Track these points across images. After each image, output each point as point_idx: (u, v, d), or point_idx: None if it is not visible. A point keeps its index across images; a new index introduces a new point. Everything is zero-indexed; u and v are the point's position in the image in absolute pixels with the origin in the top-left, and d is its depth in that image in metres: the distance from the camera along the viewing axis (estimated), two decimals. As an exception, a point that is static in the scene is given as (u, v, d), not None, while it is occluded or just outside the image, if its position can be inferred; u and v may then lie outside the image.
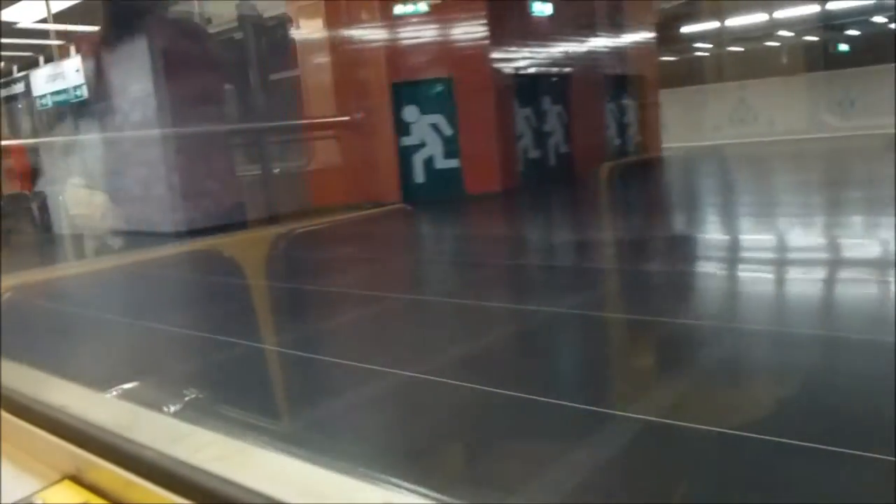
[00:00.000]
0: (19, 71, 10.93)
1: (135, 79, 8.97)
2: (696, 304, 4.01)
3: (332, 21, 10.51)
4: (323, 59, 10.64)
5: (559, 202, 9.60)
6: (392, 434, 2.53)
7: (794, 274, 4.56)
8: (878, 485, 1.84)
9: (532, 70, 11.01)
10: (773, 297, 4.06)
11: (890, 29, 17.36)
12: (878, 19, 17.74)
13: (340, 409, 2.74)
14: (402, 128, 10.31)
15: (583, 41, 12.11)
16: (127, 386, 3.00)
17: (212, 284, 5.90)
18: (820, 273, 4.42)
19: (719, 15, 17.09)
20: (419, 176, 10.41)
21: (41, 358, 2.73)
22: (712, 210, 8.08)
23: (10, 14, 10.51)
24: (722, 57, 19.27)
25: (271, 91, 11.35)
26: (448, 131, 10.27)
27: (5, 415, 1.74)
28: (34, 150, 10.97)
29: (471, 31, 10.06)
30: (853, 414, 2.31)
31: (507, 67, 10.47)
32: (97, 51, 9.51)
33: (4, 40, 10.43)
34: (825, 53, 17.71)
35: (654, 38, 14.00)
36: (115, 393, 2.76)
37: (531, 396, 2.65)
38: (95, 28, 9.28)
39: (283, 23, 11.34)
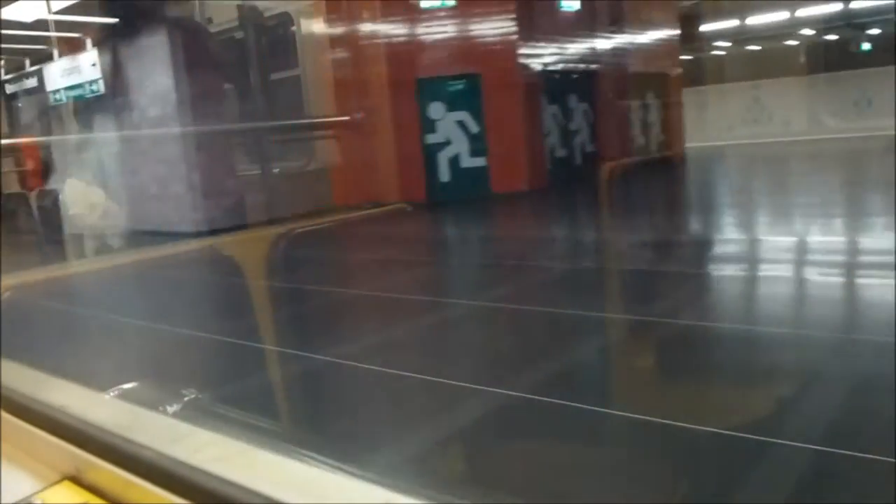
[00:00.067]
0: (32, 65, 10.64)
1: (154, 73, 8.67)
2: (793, 311, 3.71)
3: (354, 16, 10.21)
4: (344, 54, 10.34)
5: (591, 202, 9.31)
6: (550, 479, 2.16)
7: (872, 279, 4.28)
8: None
9: (559, 66, 10.73)
10: (853, 303, 3.78)
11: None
12: (899, 18, 17.48)
13: (477, 454, 2.38)
14: (427, 125, 10.01)
15: (608, 37, 11.83)
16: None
17: (256, 289, 5.61)
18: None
19: (738, 13, 16.83)
20: (444, 174, 10.11)
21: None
22: (753, 211, 7.81)
23: (23, 7, 10.20)
24: (738, 56, 19.03)
25: (290, 88, 11.09)
26: (474, 129, 9.98)
27: (5, 415, 1.73)
28: (47, 146, 10.66)
29: (499, 25, 9.77)
30: None
31: (535, 63, 10.19)
32: (114, 44, 9.21)
33: (17, 33, 10.10)
34: (844, 52, 17.46)
35: (677, 35, 13.73)
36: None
37: (706, 428, 2.28)
38: (114, 20, 8.95)
39: (285, 22, 11.11)
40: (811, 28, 16.81)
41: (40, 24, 10.08)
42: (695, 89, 15.92)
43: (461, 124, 10.00)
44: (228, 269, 6.38)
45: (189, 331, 4.08)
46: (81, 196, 9.94)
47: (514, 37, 9.78)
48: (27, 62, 10.75)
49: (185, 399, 2.72)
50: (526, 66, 9.99)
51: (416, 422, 2.58)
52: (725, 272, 4.82)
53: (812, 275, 4.46)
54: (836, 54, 17.77)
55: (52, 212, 10.35)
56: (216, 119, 9.09)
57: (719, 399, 2.58)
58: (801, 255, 5.09)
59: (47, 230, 10.53)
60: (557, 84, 10.70)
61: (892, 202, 6.42)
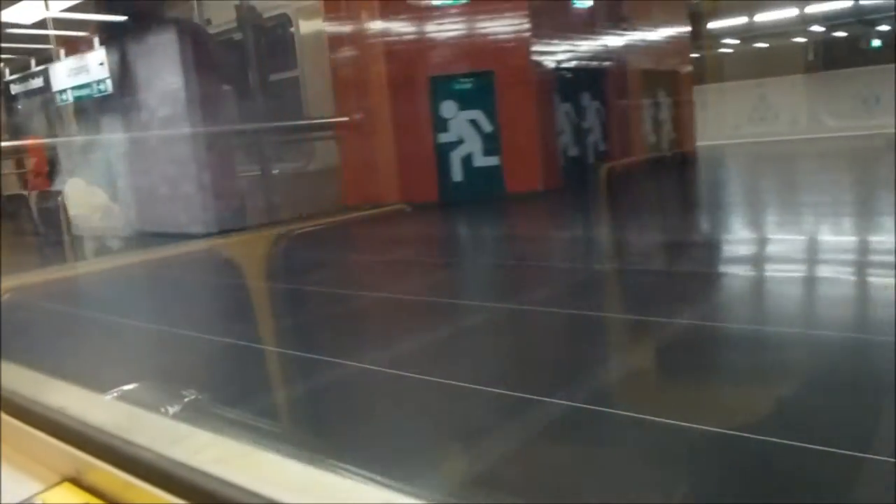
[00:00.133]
0: (37, 65, 10.48)
1: (164, 72, 8.51)
2: (849, 314, 3.57)
3: (362, 14, 10.05)
4: (351, 53, 10.18)
5: (610, 202, 9.16)
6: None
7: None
8: None
9: (572, 64, 10.59)
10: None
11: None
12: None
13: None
14: (440, 124, 9.86)
15: (620, 34, 11.69)
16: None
17: (283, 293, 5.45)
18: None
19: (747, 11, 16.71)
20: (457, 174, 9.96)
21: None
22: (774, 210, 7.68)
23: (27, 6, 10.05)
24: (745, 54, 18.91)
25: (293, 89, 10.94)
26: (487, 128, 9.83)
27: (5, 417, 1.72)
28: (52, 147, 10.50)
29: (512, 22, 9.62)
30: None
31: (549, 61, 10.04)
32: (122, 43, 9.06)
33: (24, 32, 9.95)
34: (854, 49, 17.34)
35: (687, 32, 13.59)
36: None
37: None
38: (122, 17, 8.80)
39: (284, 23, 10.97)
40: (821, 25, 16.68)
41: (46, 24, 9.91)
42: (700, 87, 15.80)
43: (474, 123, 9.85)
44: (249, 272, 6.22)
45: (233, 340, 3.93)
46: (82, 197, 9.79)
47: (528, 34, 9.63)
48: (33, 62, 10.59)
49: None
50: (539, 64, 9.85)
51: (493, 442, 2.43)
52: (762, 273, 4.68)
53: (866, 276, 4.32)
54: (844, 51, 17.66)
55: (52, 213, 10.23)
56: (226, 119, 8.95)
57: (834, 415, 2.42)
58: (838, 255, 4.95)
59: (47, 232, 10.41)
60: (570, 82, 10.56)
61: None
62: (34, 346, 3.81)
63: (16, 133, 11.62)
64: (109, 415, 1.71)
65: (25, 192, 11.19)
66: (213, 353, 3.71)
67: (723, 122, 16.89)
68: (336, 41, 10.26)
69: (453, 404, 2.69)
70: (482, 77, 9.75)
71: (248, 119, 10.09)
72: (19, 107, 12.04)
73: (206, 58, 8.96)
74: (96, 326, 4.58)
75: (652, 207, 8.39)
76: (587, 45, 10.95)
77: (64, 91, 9.85)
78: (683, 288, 4.28)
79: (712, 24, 17.08)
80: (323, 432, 2.58)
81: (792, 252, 5.11)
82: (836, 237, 5.61)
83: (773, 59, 18.29)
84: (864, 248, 5.08)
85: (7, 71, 11.32)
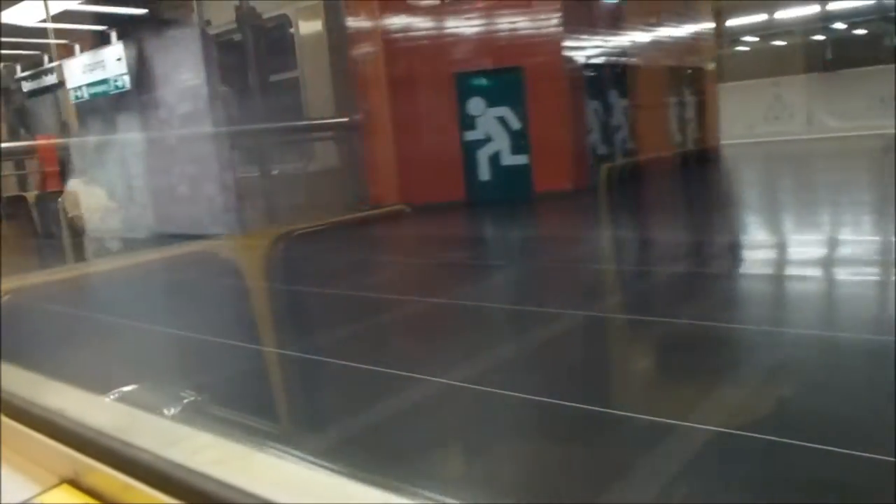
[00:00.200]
0: (51, 61, 10.18)
1: (185, 68, 8.22)
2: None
3: (386, 7, 9.74)
4: (375, 49, 9.87)
5: (646, 201, 8.88)
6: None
7: None
8: None
9: (600, 60, 10.30)
10: None
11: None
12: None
13: None
14: (466, 121, 9.57)
15: (648, 30, 11.41)
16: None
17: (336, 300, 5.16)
18: None
19: (767, 8, 16.42)
20: (484, 173, 9.67)
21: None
22: (819, 210, 7.39)
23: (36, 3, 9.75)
24: (763, 52, 18.63)
25: (319, 85, 10.64)
26: (516, 125, 9.54)
27: (4, 419, 1.72)
28: (65, 146, 10.21)
29: (542, 16, 9.33)
30: None
31: (579, 56, 9.75)
32: (140, 38, 8.76)
33: (35, 26, 9.64)
34: (876, 47, 17.06)
35: (712, 29, 13.32)
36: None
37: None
38: (143, 10, 8.50)
39: (284, 23, 10.67)
40: (842, 22, 16.40)
41: (61, 19, 9.61)
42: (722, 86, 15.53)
43: (502, 120, 9.56)
44: (289, 277, 5.93)
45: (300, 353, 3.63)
46: (81, 197, 9.53)
47: (559, 28, 9.34)
48: (46, 58, 10.29)
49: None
50: (570, 59, 9.55)
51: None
52: (839, 276, 4.40)
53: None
54: (865, 49, 17.37)
55: (52, 215, 10.01)
56: (250, 117, 8.66)
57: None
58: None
59: (46, 233, 10.19)
60: (598, 79, 10.27)
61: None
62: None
63: (28, 132, 11.32)
64: (108, 416, 1.69)
65: (24, 194, 11.01)
66: (304, 370, 3.41)
67: (739, 120, 16.64)
68: (358, 38, 9.94)
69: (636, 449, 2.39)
70: (510, 73, 9.46)
71: (262, 119, 9.80)
72: (29, 105, 11.76)
73: (229, 54, 8.70)
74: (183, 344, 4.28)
75: (691, 208, 8.11)
76: (615, 41, 10.67)
77: (79, 88, 9.53)
78: (777, 291, 3.99)
79: (732, 22, 16.79)
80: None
81: (863, 254, 4.83)
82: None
83: (791, 57, 18.02)
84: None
85: (18, 68, 11.01)
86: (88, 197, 9.65)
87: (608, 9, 10.58)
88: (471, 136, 9.61)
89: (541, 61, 9.35)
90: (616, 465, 2.13)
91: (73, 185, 9.83)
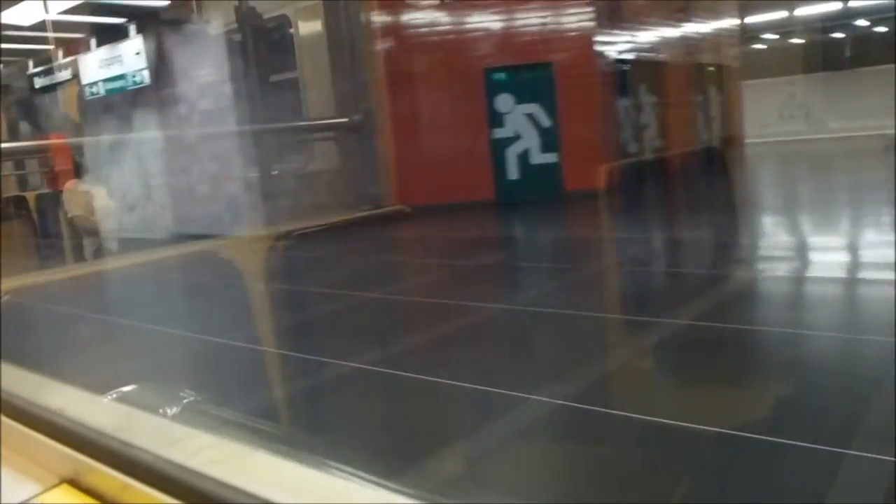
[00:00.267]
0: (65, 56, 9.88)
1: (209, 63, 7.93)
2: None
3: (414, 3, 9.44)
4: (401, 44, 9.56)
5: (683, 200, 8.60)
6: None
7: None
8: None
9: (631, 56, 10.01)
10: None
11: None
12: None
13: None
14: (495, 119, 9.28)
15: (676, 26, 11.14)
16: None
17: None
18: None
19: (787, 5, 16.16)
20: (513, 172, 9.38)
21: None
22: (866, 210, 7.11)
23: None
24: (778, 50, 18.38)
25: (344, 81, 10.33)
26: (546, 122, 9.25)
27: (4, 419, 1.72)
28: (79, 144, 9.89)
29: (574, 10, 9.04)
30: None
31: (611, 52, 9.46)
32: (159, 31, 8.46)
33: (58, 17, 9.33)
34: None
35: (737, 25, 13.05)
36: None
37: None
38: (165, 2, 8.21)
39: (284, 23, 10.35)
40: (865, 19, 16.14)
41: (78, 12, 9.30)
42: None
43: (531, 117, 9.27)
44: (336, 281, 5.63)
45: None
46: (81, 197, 9.26)
47: (591, 23, 9.05)
48: (60, 53, 9.99)
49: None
50: (602, 55, 9.27)
51: None
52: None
53: None
54: (881, 47, 17.12)
55: (51, 215, 9.78)
56: (276, 114, 8.36)
57: None
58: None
59: (45, 233, 9.98)
60: (628, 75, 9.99)
61: None
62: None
63: (39, 130, 11.04)
64: (108, 416, 1.68)
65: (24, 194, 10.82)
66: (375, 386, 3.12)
67: (756, 119, 16.40)
68: (385, 32, 9.63)
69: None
70: (540, 69, 9.17)
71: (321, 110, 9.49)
72: (39, 102, 11.46)
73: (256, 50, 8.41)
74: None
75: (733, 208, 7.83)
76: (644, 37, 10.40)
77: (94, 83, 9.23)
78: (872, 296, 3.71)
79: (749, 19, 16.53)
80: None
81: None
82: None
83: (810, 55, 17.77)
84: None
85: (31, 63, 10.71)
86: (89, 197, 9.39)
87: (638, 3, 10.30)
88: (499, 133, 9.32)
89: (572, 56, 9.07)
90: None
91: (75, 185, 9.55)
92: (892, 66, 15.52)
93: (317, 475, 1.28)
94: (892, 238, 5.33)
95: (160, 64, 8.41)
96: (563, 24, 9.11)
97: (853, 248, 5.24)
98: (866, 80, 15.75)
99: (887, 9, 15.91)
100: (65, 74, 9.80)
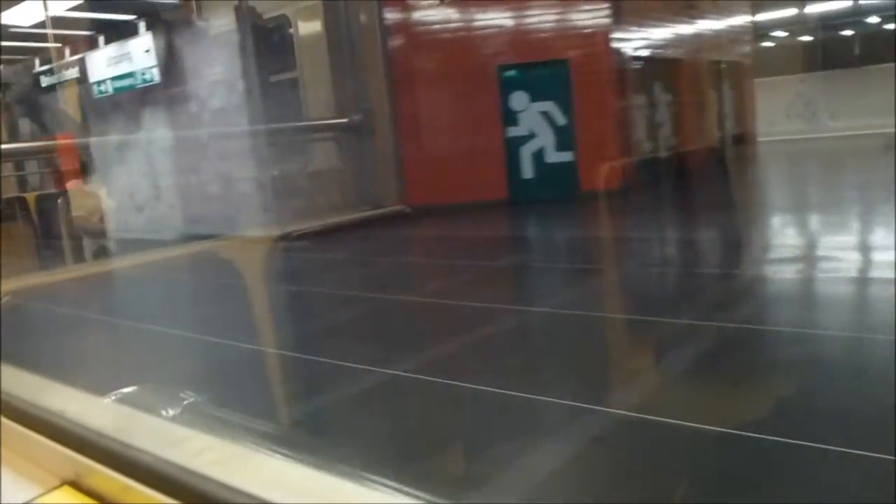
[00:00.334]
0: (72, 54, 9.74)
1: (221, 60, 7.79)
2: None
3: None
4: (411, 39, 9.42)
5: (702, 199, 8.45)
6: None
7: None
8: None
9: (646, 53, 9.88)
10: None
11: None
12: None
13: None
14: (509, 117, 9.14)
15: (690, 23, 11.00)
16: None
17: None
18: None
19: (798, 2, 16.02)
20: (527, 171, 9.25)
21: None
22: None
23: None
24: (787, 48, 18.25)
25: (351, 79, 10.19)
26: (561, 120, 9.11)
27: (5, 420, 1.72)
28: (86, 144, 9.75)
29: (590, 6, 8.90)
30: None
31: (627, 49, 9.32)
32: (169, 28, 8.32)
33: (66, 14, 9.21)
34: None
35: (749, 22, 12.93)
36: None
37: None
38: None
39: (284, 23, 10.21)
40: (878, 15, 16.01)
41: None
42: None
43: (546, 115, 9.13)
44: (361, 282, 5.50)
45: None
46: (83, 198, 9.15)
47: (608, 19, 8.91)
48: (67, 51, 9.85)
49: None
50: (618, 52, 9.13)
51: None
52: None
53: None
54: (892, 45, 16.97)
55: (52, 215, 9.69)
56: (275, 114, 8.20)
57: None
58: None
59: (45, 234, 9.89)
60: (643, 72, 9.85)
61: None
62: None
63: (45, 130, 10.91)
64: (108, 418, 1.68)
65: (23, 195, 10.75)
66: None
67: (765, 117, 16.28)
68: (396, 29, 9.48)
69: None
70: (556, 66, 9.03)
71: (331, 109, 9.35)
72: (45, 101, 11.31)
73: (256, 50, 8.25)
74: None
75: (753, 206, 7.68)
76: (660, 34, 10.26)
77: (102, 81, 9.09)
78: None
79: (759, 17, 16.39)
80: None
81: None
82: None
83: (820, 53, 17.63)
84: None
85: (37, 62, 10.57)
86: (89, 198, 9.27)
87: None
88: (513, 132, 9.19)
89: (587, 54, 8.93)
90: None
91: (75, 186, 9.43)
92: (894, 64, 15.46)
93: (317, 476, 1.28)
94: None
95: (170, 62, 8.27)
96: (578, 20, 8.97)
97: (884, 248, 5.11)
98: (874, 78, 15.63)
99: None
100: (72, 73, 9.66)
